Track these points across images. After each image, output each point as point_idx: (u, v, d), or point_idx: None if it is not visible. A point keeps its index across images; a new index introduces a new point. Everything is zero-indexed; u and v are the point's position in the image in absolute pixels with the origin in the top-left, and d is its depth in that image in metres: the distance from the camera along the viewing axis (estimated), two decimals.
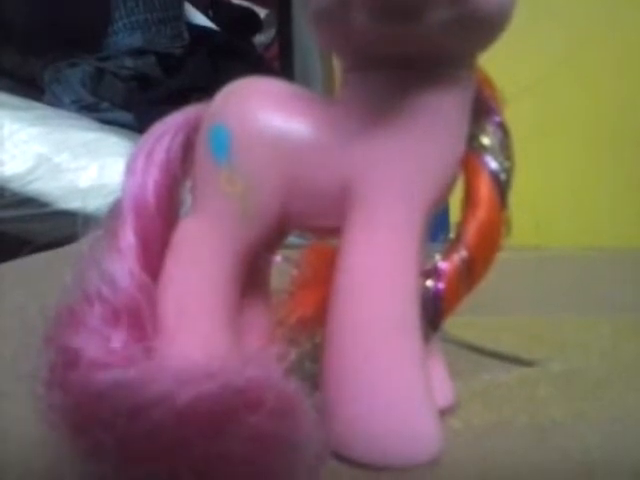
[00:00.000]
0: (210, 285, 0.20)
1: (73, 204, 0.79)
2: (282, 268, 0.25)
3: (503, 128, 0.22)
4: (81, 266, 0.20)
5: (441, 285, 0.21)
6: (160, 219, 0.21)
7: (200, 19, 1.21)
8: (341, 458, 0.19)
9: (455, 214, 0.22)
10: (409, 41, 0.18)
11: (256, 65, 1.13)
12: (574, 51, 0.66)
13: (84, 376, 0.17)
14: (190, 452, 0.16)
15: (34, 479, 0.19)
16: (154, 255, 0.20)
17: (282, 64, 1.24)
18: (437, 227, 0.22)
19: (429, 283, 0.21)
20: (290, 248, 0.24)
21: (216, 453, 0.16)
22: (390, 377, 0.19)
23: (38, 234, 0.79)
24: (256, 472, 0.16)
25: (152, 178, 0.21)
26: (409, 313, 0.20)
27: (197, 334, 0.20)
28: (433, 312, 0.21)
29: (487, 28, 0.19)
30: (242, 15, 1.26)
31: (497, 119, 0.22)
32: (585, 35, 0.67)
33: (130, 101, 0.96)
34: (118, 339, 0.19)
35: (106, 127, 0.89)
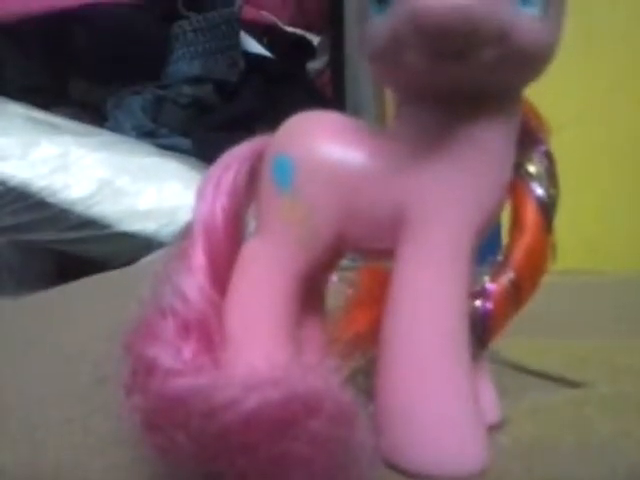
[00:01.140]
0: (272, 302, 0.22)
1: (133, 226, 0.82)
2: (338, 288, 0.26)
3: (549, 157, 0.23)
4: (155, 283, 0.22)
5: (489, 305, 0.22)
6: (227, 241, 0.23)
7: (255, 47, 1.24)
8: (391, 466, 0.20)
9: (506, 238, 0.23)
10: (458, 78, 0.19)
11: (309, 91, 1.15)
12: (621, 79, 0.66)
13: (160, 383, 0.19)
14: (255, 453, 0.17)
15: (115, 472, 0.21)
16: (222, 273, 0.22)
17: (334, 90, 1.26)
18: (487, 249, 0.23)
19: (478, 303, 0.22)
20: (345, 269, 0.25)
21: (278, 454, 0.17)
22: (439, 392, 0.20)
23: (100, 255, 0.82)
24: (314, 473, 0.17)
25: (220, 204, 0.23)
26: (458, 332, 0.21)
27: (260, 346, 0.21)
28: (481, 331, 0.22)
29: (531, 64, 0.20)
30: (296, 42, 1.29)
31: (543, 148, 0.23)
32: (631, 65, 0.67)
33: (188, 127, 0.99)
34: (189, 350, 0.20)
35: (165, 152, 0.92)
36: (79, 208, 0.82)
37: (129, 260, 0.68)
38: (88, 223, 0.82)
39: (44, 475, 0.21)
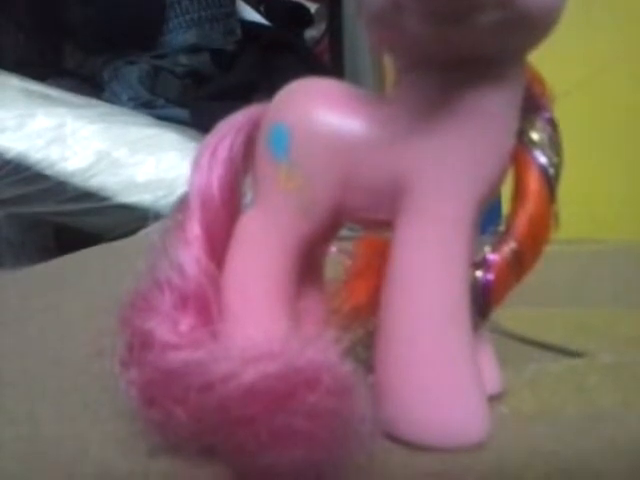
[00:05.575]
0: (270, 273, 0.22)
1: (131, 198, 0.82)
2: (336, 259, 0.26)
3: (552, 124, 0.22)
4: (152, 255, 0.22)
5: (490, 276, 0.22)
6: (224, 211, 0.22)
7: (251, 15, 1.23)
8: (392, 438, 0.20)
9: (507, 207, 0.23)
10: (459, 42, 0.19)
11: (307, 59, 1.14)
12: (625, 45, 0.66)
13: (157, 356, 0.19)
14: (253, 426, 0.17)
15: (114, 445, 0.21)
16: (219, 245, 0.22)
17: (332, 58, 1.25)
18: (487, 219, 0.23)
19: (479, 274, 0.22)
20: (344, 240, 0.25)
21: (277, 428, 0.17)
22: (439, 363, 0.20)
23: (98, 227, 0.82)
24: (313, 446, 0.17)
25: (216, 174, 0.22)
26: (459, 302, 0.21)
27: (258, 319, 0.21)
28: (482, 302, 0.22)
29: (534, 29, 0.19)
30: (293, 10, 1.27)
31: (546, 115, 0.22)
32: (634, 31, 0.66)
33: (185, 97, 0.98)
34: (186, 323, 0.20)
35: (162, 123, 0.91)
36: (77, 180, 0.82)
37: (127, 232, 0.68)
38: (86, 195, 0.82)
39: (43, 449, 0.21)
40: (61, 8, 0.97)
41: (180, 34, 1.03)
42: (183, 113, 0.94)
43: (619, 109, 0.68)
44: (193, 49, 1.02)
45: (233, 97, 0.89)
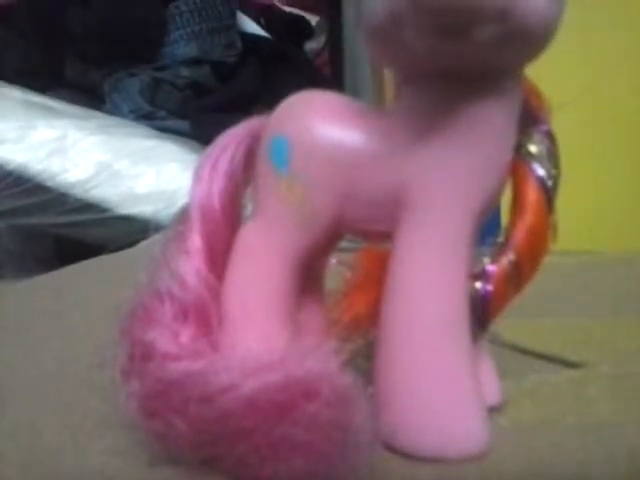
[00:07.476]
0: (270, 285, 0.22)
1: (132, 209, 0.82)
2: (336, 270, 0.26)
3: (550, 137, 0.23)
4: (152, 267, 0.22)
5: (489, 287, 0.22)
6: (225, 223, 0.22)
7: (252, 27, 1.23)
8: (391, 448, 0.20)
9: (506, 219, 0.23)
10: (458, 56, 0.19)
11: (307, 72, 1.14)
12: (620, 58, 0.66)
13: (157, 367, 0.19)
14: (253, 437, 0.17)
15: (114, 456, 0.21)
16: (219, 256, 0.22)
17: (332, 70, 1.25)
18: (486, 231, 0.23)
19: (478, 285, 0.22)
20: (344, 251, 0.25)
21: (277, 438, 0.17)
22: (439, 375, 0.20)
23: (99, 238, 0.82)
24: (313, 456, 0.17)
25: (217, 186, 0.22)
26: (458, 313, 0.21)
27: (258, 330, 0.21)
28: (481, 313, 0.22)
29: (533, 42, 0.19)
30: (293, 22, 1.28)
31: (544, 128, 0.23)
32: (631, 43, 0.66)
33: (186, 109, 0.98)
34: (187, 334, 0.20)
35: (163, 135, 0.92)
36: (77, 191, 0.82)
37: (127, 243, 0.68)
38: (86, 206, 0.82)
39: (44, 459, 0.21)
40: (62, 20, 0.97)
41: (181, 46, 1.03)
42: (184, 125, 0.94)
43: (617, 121, 0.68)
44: (194, 61, 1.02)
45: (234, 109, 0.89)
